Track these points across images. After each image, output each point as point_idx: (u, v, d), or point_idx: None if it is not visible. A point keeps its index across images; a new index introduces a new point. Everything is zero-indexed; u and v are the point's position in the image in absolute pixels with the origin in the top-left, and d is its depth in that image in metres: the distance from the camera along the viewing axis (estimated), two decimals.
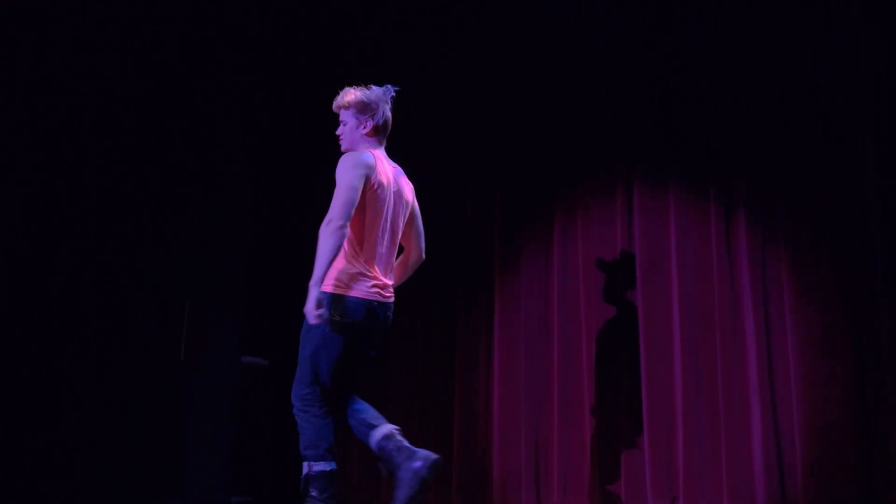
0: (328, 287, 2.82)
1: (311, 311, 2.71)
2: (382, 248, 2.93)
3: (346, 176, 2.83)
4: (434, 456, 2.72)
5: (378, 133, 3.02)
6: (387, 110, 3.03)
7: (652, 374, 4.20)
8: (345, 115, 3.02)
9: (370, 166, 2.87)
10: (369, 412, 2.89)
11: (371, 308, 2.87)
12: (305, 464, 2.81)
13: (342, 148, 3.03)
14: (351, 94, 3.01)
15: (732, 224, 4.22)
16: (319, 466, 2.77)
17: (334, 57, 4.97)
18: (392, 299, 3.00)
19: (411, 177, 3.14)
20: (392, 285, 3.02)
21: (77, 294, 4.01)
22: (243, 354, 4.47)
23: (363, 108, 2.99)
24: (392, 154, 3.11)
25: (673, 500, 4.05)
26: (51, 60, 4.03)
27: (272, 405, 4.41)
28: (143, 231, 4.20)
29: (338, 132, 3.04)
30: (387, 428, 2.80)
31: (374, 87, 3.02)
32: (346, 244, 2.85)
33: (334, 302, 2.81)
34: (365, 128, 2.99)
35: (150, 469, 4.01)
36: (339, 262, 2.85)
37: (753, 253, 4.14)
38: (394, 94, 3.05)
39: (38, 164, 3.98)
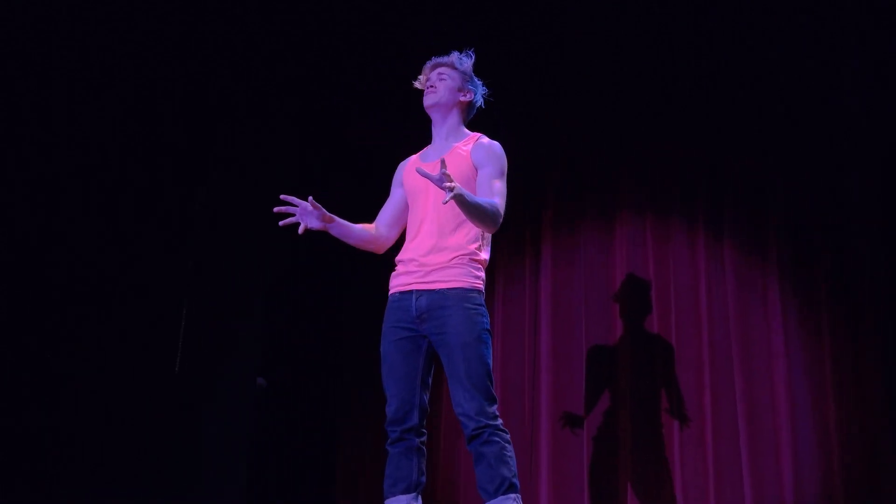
0: (476, 285, 2.65)
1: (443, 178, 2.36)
2: None
3: (505, 169, 2.73)
4: None
5: (467, 112, 2.86)
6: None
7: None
8: (450, 73, 2.81)
9: None
10: None
11: None
12: (514, 497, 2.46)
13: (428, 101, 2.80)
14: (467, 60, 2.85)
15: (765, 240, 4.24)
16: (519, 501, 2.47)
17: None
18: None
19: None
20: None
21: (92, 299, 4.00)
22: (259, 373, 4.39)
23: (470, 80, 2.85)
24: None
25: None
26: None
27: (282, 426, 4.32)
28: (168, 238, 4.19)
29: (430, 83, 2.79)
30: None
31: None
32: (478, 240, 2.67)
33: (485, 303, 2.68)
34: (465, 96, 2.83)
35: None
36: (480, 267, 2.68)
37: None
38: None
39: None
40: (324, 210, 2.62)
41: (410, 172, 2.77)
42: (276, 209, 2.60)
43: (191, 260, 4.25)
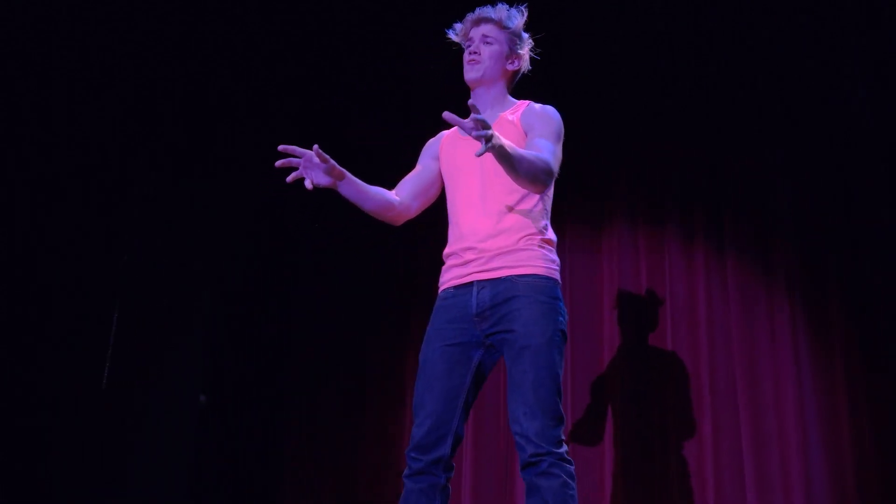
0: (552, 271, 2.22)
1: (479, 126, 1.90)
2: None
3: (561, 134, 2.31)
4: None
5: (512, 80, 2.46)
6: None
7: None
8: (496, 34, 2.39)
9: None
10: None
11: None
12: None
13: (470, 75, 2.38)
14: (518, 17, 2.42)
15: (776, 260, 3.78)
16: None
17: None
18: None
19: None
20: None
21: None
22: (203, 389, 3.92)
23: (520, 41, 2.42)
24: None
25: None
26: None
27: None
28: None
29: (472, 49, 2.38)
30: None
31: None
32: (544, 217, 2.27)
33: (562, 296, 2.24)
34: (512, 64, 2.42)
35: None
36: (547, 244, 2.26)
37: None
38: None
39: None
40: (333, 162, 2.17)
41: (451, 148, 2.38)
42: (278, 163, 2.17)
43: (125, 256, 3.86)
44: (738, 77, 3.98)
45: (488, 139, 1.89)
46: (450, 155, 2.42)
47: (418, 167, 2.51)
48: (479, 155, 1.93)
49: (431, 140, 2.56)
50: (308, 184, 2.15)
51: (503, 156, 1.99)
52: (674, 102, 4.03)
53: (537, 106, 2.39)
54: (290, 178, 2.20)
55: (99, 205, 3.98)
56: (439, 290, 2.32)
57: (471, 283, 2.21)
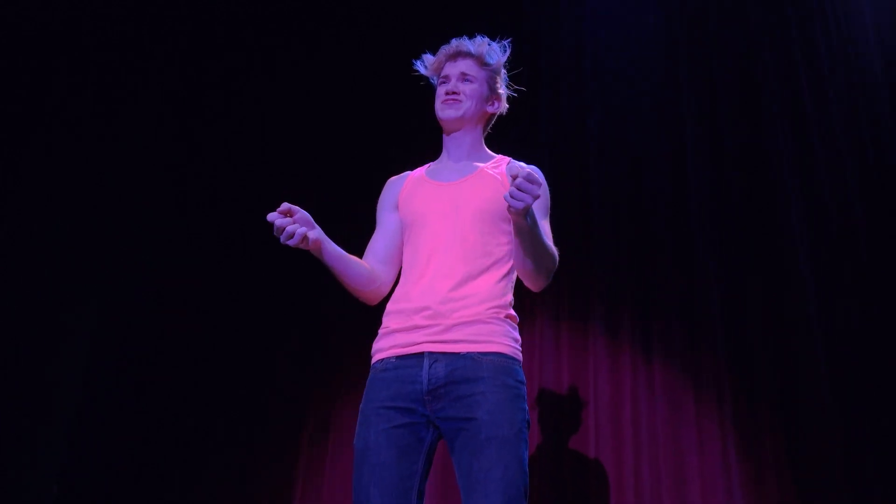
0: (517, 351, 1.93)
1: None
2: None
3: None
4: None
5: (489, 123, 2.19)
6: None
7: None
8: (475, 71, 2.11)
9: None
10: None
11: None
12: None
13: (448, 114, 2.09)
14: (500, 54, 2.15)
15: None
16: None
17: None
18: None
19: None
20: None
21: None
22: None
23: (498, 80, 2.15)
24: None
25: None
26: None
27: None
28: None
29: (450, 87, 2.09)
30: None
31: None
32: (510, 291, 2.00)
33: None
34: (493, 105, 2.15)
35: None
36: (511, 320, 1.97)
37: None
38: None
39: None
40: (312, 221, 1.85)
41: (413, 192, 2.06)
42: (276, 221, 1.79)
43: None
44: (666, 187, 3.85)
45: (526, 203, 1.68)
46: (416, 198, 2.07)
47: (381, 226, 2.14)
48: (515, 213, 1.70)
49: (388, 186, 2.20)
50: (297, 238, 1.80)
51: (532, 233, 1.78)
52: (605, 211, 3.88)
53: (524, 166, 2.06)
54: (294, 241, 1.80)
55: None
56: (374, 359, 1.96)
57: (420, 354, 1.87)
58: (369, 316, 2.20)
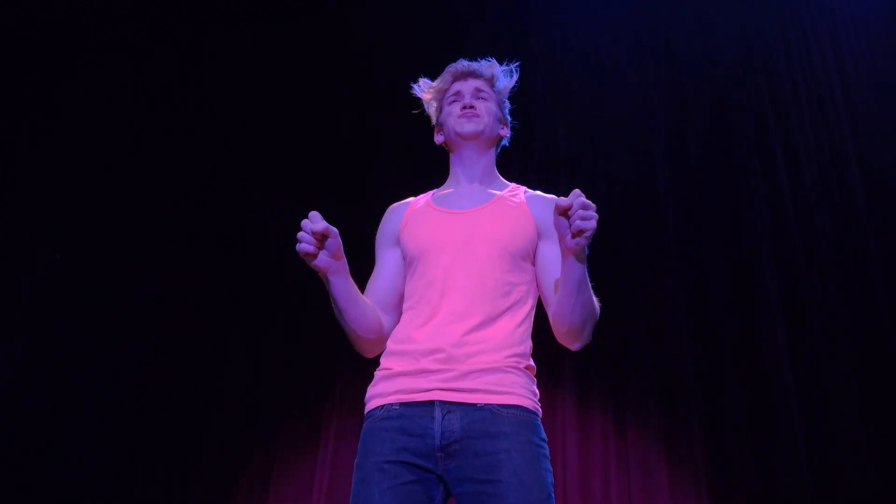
0: (538, 406, 1.68)
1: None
2: None
3: None
4: None
5: (497, 149, 1.99)
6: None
7: None
8: (488, 91, 1.95)
9: None
10: None
11: None
12: None
13: (469, 128, 1.86)
14: (508, 79, 1.98)
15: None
16: None
17: None
18: None
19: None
20: None
21: None
22: None
23: (505, 106, 1.99)
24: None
25: None
26: None
27: None
28: None
29: (466, 103, 1.90)
30: None
31: None
32: (529, 338, 1.75)
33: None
34: (503, 129, 1.97)
35: None
36: (530, 371, 1.72)
37: None
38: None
39: None
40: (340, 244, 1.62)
41: (418, 221, 1.82)
42: (302, 238, 1.60)
43: None
44: (644, 248, 3.81)
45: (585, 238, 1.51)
46: (421, 228, 1.83)
47: (382, 264, 1.88)
48: (575, 248, 1.52)
49: (388, 215, 1.95)
50: (300, 252, 1.61)
51: (585, 275, 1.58)
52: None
53: (546, 196, 1.88)
54: (318, 263, 1.62)
55: None
56: (371, 405, 1.68)
57: (430, 403, 1.62)
58: None
